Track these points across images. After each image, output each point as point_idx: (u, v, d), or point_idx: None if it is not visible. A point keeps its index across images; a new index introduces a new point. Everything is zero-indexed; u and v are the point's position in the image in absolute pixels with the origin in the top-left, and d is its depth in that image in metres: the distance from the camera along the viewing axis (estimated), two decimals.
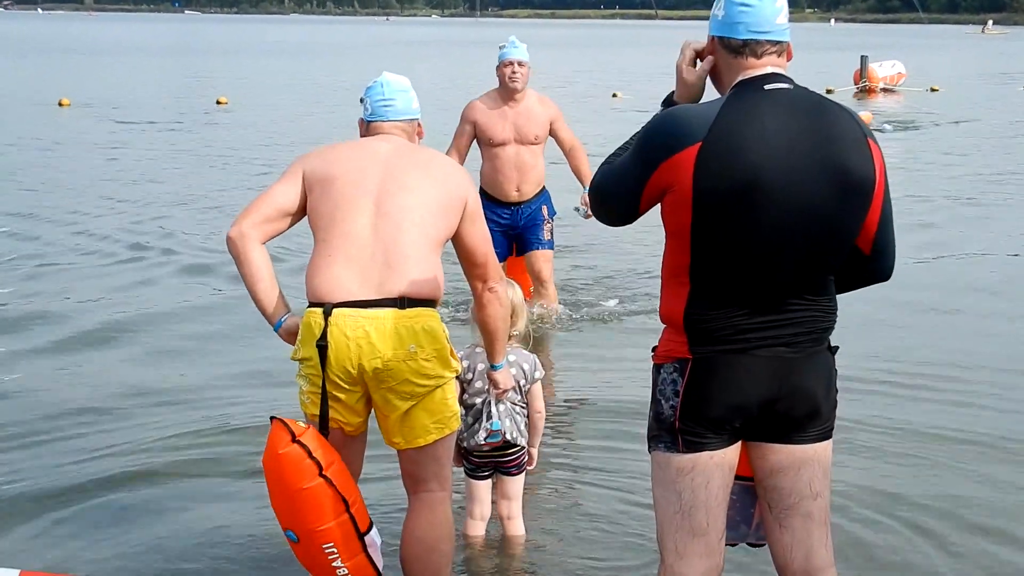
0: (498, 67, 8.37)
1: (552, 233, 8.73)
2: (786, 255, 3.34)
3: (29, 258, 11.07)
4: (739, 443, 3.52)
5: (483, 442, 4.89)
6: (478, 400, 4.89)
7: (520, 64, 8.29)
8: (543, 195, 8.71)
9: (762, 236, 3.32)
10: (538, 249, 8.67)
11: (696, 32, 4.04)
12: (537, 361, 5.06)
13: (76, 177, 16.39)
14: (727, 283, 3.37)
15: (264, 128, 23.46)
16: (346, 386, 4.21)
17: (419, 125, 4.68)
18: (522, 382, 4.95)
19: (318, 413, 4.24)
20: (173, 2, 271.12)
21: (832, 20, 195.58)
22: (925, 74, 42.97)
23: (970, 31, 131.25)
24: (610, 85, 35.43)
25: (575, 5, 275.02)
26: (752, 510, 3.70)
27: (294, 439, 4.07)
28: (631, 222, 3.54)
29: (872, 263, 3.55)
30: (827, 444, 3.55)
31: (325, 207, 4.29)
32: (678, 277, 3.43)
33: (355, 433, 4.40)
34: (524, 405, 5.00)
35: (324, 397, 4.21)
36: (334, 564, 4.18)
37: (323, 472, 4.07)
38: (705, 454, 3.45)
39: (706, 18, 3.67)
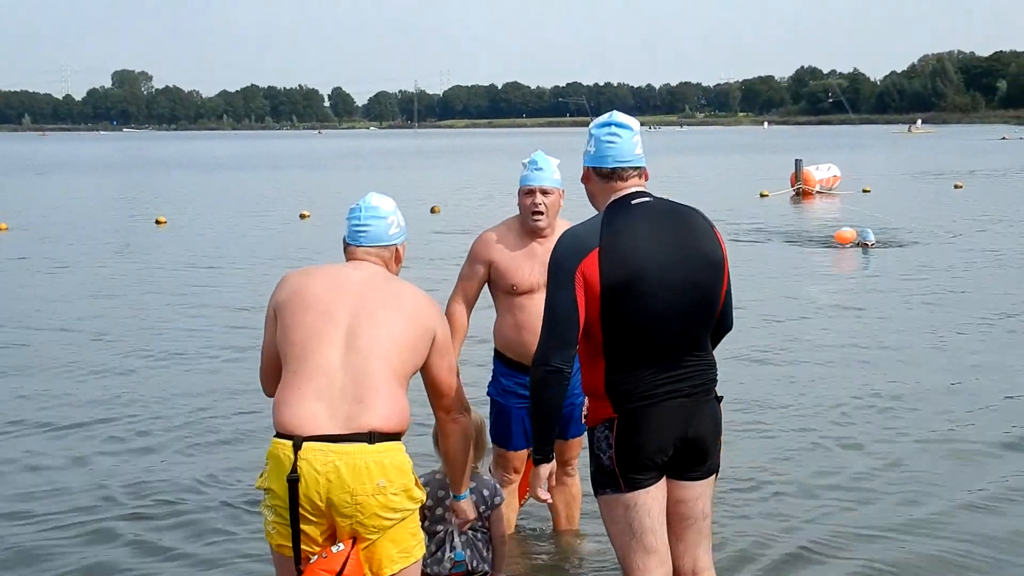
0: (519, 192, 6.18)
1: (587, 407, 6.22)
2: (674, 322, 4.27)
3: None
4: (664, 478, 4.38)
5: (448, 573, 4.85)
6: (440, 527, 4.87)
7: (545, 192, 6.06)
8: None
9: (654, 310, 4.23)
10: (576, 437, 6.23)
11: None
12: (497, 486, 5.05)
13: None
14: (633, 352, 4.27)
15: (202, 250, 22.95)
16: (313, 518, 4.19)
17: (399, 250, 4.66)
18: (483, 508, 4.93)
19: (286, 544, 4.23)
20: (111, 121, 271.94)
21: (765, 123, 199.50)
22: (857, 175, 43.83)
23: (897, 131, 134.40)
24: None
25: (511, 114, 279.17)
26: None
27: None
28: (579, 334, 4.26)
29: (718, 324, 4.51)
30: (713, 478, 4.51)
31: (297, 336, 4.31)
32: (594, 356, 4.32)
33: None
34: (486, 530, 4.97)
35: (296, 532, 4.19)
36: None
37: None
38: (642, 491, 4.31)
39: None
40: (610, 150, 4.43)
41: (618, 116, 4.51)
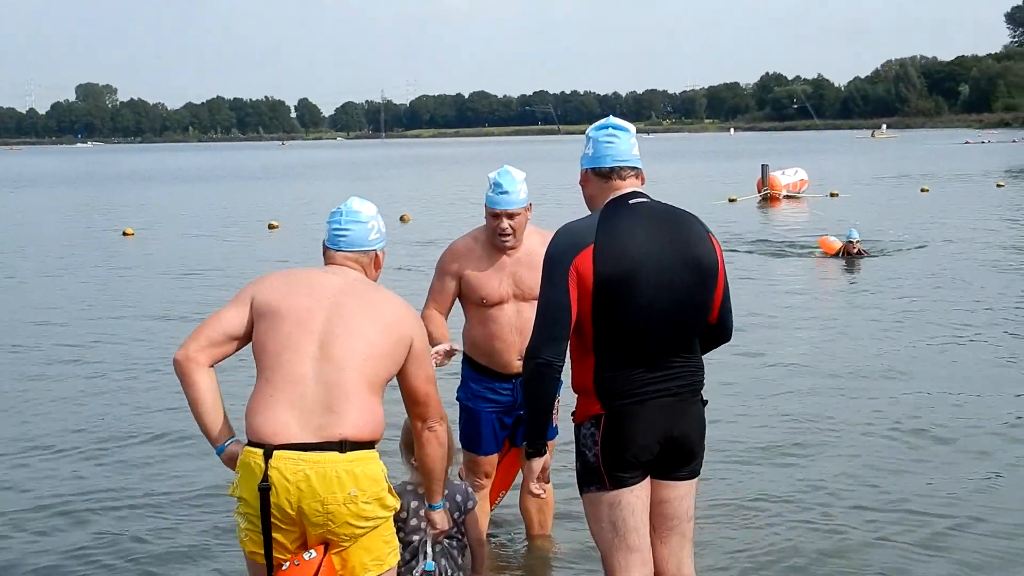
0: (485, 211, 6.09)
1: (558, 410, 5.73)
2: (663, 323, 4.29)
3: None
4: (649, 477, 4.40)
5: None
6: (415, 537, 4.85)
7: (511, 216, 5.97)
8: None
9: (644, 310, 4.25)
10: (549, 440, 5.37)
11: None
12: (469, 490, 5.03)
13: None
14: (622, 350, 4.29)
15: (172, 261, 22.73)
16: (284, 526, 4.18)
17: (378, 255, 4.65)
18: (456, 514, 4.91)
19: (258, 551, 4.22)
20: (76, 134, 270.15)
21: (731, 129, 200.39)
22: (824, 180, 44.04)
23: (861, 136, 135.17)
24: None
25: (478, 123, 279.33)
26: None
27: None
28: (570, 329, 4.26)
29: (716, 330, 4.54)
30: (696, 480, 4.53)
31: (271, 344, 4.29)
32: (585, 353, 4.33)
33: None
34: (461, 538, 4.96)
35: (268, 540, 4.18)
36: None
37: None
38: (626, 489, 4.34)
39: None
40: (608, 150, 4.46)
41: (615, 120, 4.56)
